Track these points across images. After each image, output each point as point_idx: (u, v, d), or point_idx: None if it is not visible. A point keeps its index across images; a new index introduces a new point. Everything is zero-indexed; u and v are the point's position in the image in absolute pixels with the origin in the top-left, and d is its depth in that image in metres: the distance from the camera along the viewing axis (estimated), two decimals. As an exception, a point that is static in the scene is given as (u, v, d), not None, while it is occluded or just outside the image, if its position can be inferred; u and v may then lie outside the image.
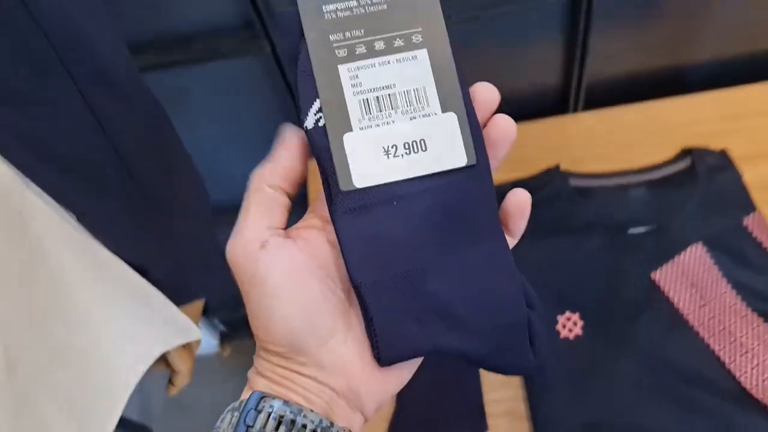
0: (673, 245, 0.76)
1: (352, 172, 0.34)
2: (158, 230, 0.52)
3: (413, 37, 0.36)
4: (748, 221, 0.77)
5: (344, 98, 0.35)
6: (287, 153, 0.35)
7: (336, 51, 0.35)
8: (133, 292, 0.51)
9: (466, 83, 0.36)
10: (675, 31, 0.85)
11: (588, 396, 0.70)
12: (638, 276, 0.76)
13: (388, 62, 0.35)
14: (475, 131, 0.36)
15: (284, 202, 0.35)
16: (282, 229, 0.34)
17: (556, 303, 0.75)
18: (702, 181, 0.80)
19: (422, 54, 0.36)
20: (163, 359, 0.64)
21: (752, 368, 0.69)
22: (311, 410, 0.31)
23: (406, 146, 0.35)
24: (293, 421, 0.31)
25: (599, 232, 0.79)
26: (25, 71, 0.42)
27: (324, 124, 0.34)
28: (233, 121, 0.91)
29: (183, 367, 0.62)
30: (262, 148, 0.98)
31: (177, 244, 0.54)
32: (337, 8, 0.35)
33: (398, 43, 0.36)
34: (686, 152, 0.83)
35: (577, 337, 0.73)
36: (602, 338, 0.73)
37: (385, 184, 0.34)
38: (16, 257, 0.43)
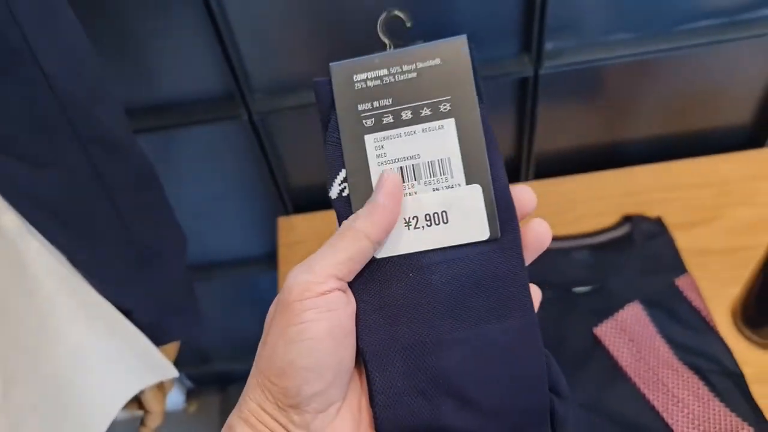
0: (613, 303, 0.83)
1: None
2: (144, 276, 0.58)
3: (441, 106, 0.35)
4: (680, 282, 0.84)
5: (369, 169, 0.34)
6: (391, 212, 0.33)
7: (363, 121, 0.35)
8: (117, 331, 0.55)
9: (497, 149, 0.35)
10: (615, 111, 0.95)
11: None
12: (582, 330, 0.82)
13: (414, 132, 0.35)
14: (503, 202, 0.35)
15: (369, 256, 0.33)
16: (347, 281, 0.33)
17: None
18: (638, 245, 0.88)
19: (449, 123, 0.35)
20: (135, 400, 0.67)
21: (683, 417, 0.75)
22: None
23: (428, 218, 0.34)
24: None
25: (546, 290, 0.85)
26: (35, 129, 0.48)
27: (348, 194, 0.34)
28: (209, 184, 0.97)
29: (156, 407, 0.66)
30: (233, 212, 1.04)
31: (160, 289, 0.60)
32: (367, 77, 0.35)
33: (425, 112, 0.35)
34: (626, 219, 0.92)
35: (525, 387, 0.79)
36: (548, 388, 0.79)
37: (405, 255, 0.34)
38: (15, 292, 0.48)
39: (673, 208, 0.92)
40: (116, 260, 0.55)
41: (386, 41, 0.36)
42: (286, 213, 1.01)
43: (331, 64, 0.35)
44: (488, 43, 0.81)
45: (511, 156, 0.98)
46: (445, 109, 0.35)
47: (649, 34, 0.82)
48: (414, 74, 0.35)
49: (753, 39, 0.82)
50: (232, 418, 0.34)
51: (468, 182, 0.35)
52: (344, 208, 0.35)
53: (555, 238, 0.91)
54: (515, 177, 1.01)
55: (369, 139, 0.35)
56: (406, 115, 0.35)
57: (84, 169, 0.49)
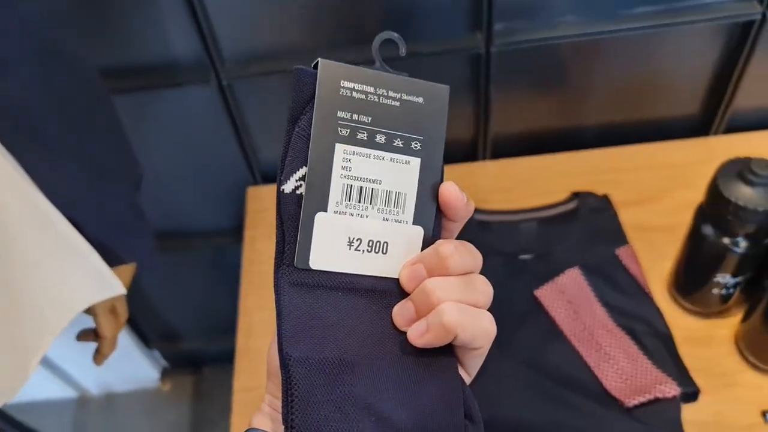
0: (555, 268, 0.88)
1: (311, 252, 0.34)
2: (95, 193, 0.62)
3: (413, 143, 0.36)
4: (620, 252, 0.89)
5: (330, 176, 0.34)
6: None
7: (339, 129, 0.34)
8: (69, 244, 0.60)
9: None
10: (568, 96, 1.00)
11: (475, 393, 0.79)
12: (524, 293, 0.87)
13: (383, 158, 0.35)
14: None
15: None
16: None
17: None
18: (583, 217, 0.93)
19: (415, 162, 0.36)
20: (92, 332, 0.72)
21: (613, 372, 0.79)
22: None
23: (370, 244, 0.35)
24: None
25: (495, 257, 0.90)
26: None
27: (302, 194, 0.34)
28: (179, 153, 1.02)
29: (109, 332, 0.70)
30: (203, 182, 1.08)
31: (111, 208, 0.64)
32: (354, 87, 0.35)
33: (398, 143, 0.35)
34: (574, 195, 0.97)
35: (468, 343, 0.83)
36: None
37: (339, 272, 0.35)
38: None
39: (621, 188, 0.97)
40: (67, 172, 0.59)
41: (377, 60, 0.36)
42: (255, 183, 1.06)
43: (320, 59, 0.35)
44: (442, 20, 0.87)
45: (468, 137, 1.04)
46: (416, 147, 0.36)
47: (594, 17, 0.88)
48: (397, 103, 0.36)
49: (689, 25, 0.88)
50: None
51: (414, 222, 0.36)
52: (292, 206, 0.34)
53: (506, 212, 0.96)
54: (473, 156, 1.06)
55: (339, 149, 0.35)
56: (380, 138, 0.35)
57: (36, 76, 0.54)
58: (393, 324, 0.36)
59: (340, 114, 0.35)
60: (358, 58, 0.89)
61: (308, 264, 0.34)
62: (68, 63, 0.57)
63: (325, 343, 0.34)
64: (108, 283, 0.62)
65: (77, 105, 0.58)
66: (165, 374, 1.55)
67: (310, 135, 0.34)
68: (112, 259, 0.65)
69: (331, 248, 0.34)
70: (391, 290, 0.36)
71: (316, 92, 0.34)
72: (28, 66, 0.53)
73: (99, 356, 0.73)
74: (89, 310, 0.67)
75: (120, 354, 1.40)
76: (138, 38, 0.86)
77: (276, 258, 0.34)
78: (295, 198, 0.34)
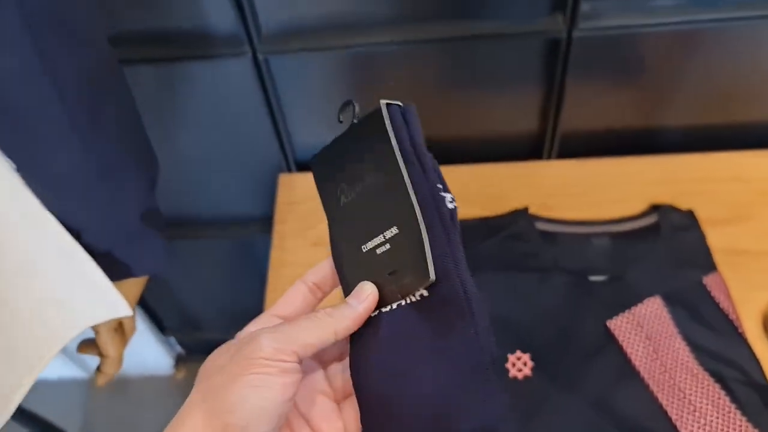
0: (631, 296, 0.76)
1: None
2: (100, 194, 0.51)
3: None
4: (708, 280, 0.76)
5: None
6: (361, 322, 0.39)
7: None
8: (67, 257, 0.49)
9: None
10: (652, 91, 0.86)
11: (532, 436, 0.68)
12: (594, 322, 0.75)
13: None
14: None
15: (329, 345, 0.38)
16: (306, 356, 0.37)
17: (509, 341, 0.74)
18: (665, 237, 0.80)
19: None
20: (95, 344, 0.61)
21: (699, 428, 0.67)
22: None
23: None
24: None
25: (559, 276, 0.78)
26: None
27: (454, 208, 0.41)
28: (208, 131, 0.91)
29: (113, 351, 0.60)
30: (232, 165, 0.97)
31: (119, 212, 0.53)
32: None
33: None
34: (653, 208, 0.84)
35: (526, 377, 0.71)
36: (552, 381, 0.71)
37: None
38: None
39: (705, 201, 0.84)
40: (66, 169, 0.48)
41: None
42: (288, 170, 0.95)
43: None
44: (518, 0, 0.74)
45: (534, 131, 0.91)
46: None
47: (696, 2, 0.74)
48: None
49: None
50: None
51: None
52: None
53: (574, 222, 0.84)
54: (538, 153, 0.93)
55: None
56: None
57: (30, 56, 0.43)
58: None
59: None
60: (410, 37, 0.77)
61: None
62: (74, 34, 0.45)
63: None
64: (112, 304, 0.51)
65: (85, 85, 0.47)
66: (180, 362, 1.46)
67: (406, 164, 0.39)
68: (119, 271, 0.55)
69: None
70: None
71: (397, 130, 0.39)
72: (24, 39, 0.42)
73: (101, 376, 0.63)
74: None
75: (134, 339, 1.31)
76: (166, 1, 0.74)
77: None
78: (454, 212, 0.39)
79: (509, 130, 0.91)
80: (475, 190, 0.89)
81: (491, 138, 0.92)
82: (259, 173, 0.97)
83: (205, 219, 1.08)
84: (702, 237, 0.81)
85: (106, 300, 0.51)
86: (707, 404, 0.68)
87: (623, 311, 0.75)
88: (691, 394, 0.69)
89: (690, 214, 0.83)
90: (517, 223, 0.82)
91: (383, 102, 0.38)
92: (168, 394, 1.44)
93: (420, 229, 0.37)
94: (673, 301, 0.75)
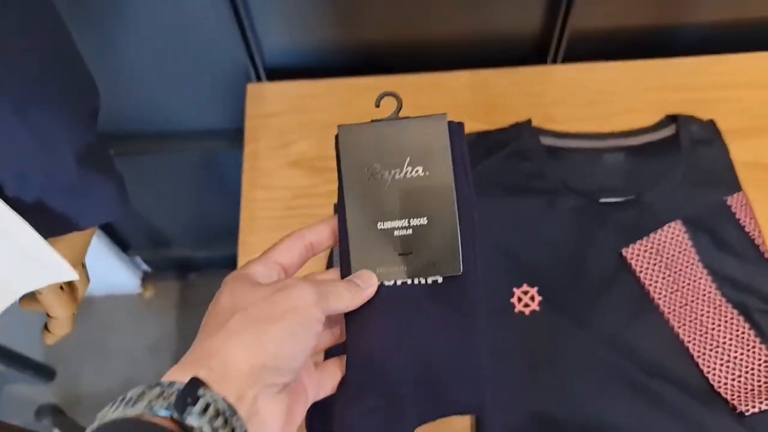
0: (648, 220, 0.68)
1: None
2: (20, 127, 0.40)
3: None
4: (732, 201, 0.69)
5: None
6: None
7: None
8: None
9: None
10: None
11: (539, 381, 0.62)
12: (607, 251, 0.67)
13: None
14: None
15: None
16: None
17: (514, 274, 0.66)
18: (685, 152, 0.72)
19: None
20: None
21: (722, 365, 0.62)
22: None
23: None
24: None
25: (568, 198, 0.70)
26: None
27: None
28: (168, 36, 0.78)
29: (61, 312, 0.51)
30: (195, 73, 0.84)
31: (49, 154, 0.42)
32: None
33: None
34: (670, 119, 0.75)
35: (533, 313, 0.65)
36: (561, 317, 0.64)
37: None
38: None
39: (727, 110, 0.76)
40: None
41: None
42: (258, 79, 0.83)
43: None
44: None
45: (537, 31, 0.80)
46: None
47: None
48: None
49: None
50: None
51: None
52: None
53: (582, 136, 0.75)
54: (542, 57, 0.82)
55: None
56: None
57: None
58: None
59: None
60: None
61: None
62: None
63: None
64: (53, 269, 0.41)
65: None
66: (147, 280, 1.38)
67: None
68: (60, 226, 0.45)
69: None
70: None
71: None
72: None
73: (49, 336, 0.53)
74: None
75: (96, 259, 1.22)
76: None
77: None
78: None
79: (509, 29, 0.80)
80: (471, 99, 0.79)
81: (488, 39, 0.81)
82: (223, 83, 0.85)
83: (167, 133, 0.96)
84: (725, 151, 0.73)
85: (45, 265, 0.41)
86: (730, 338, 0.63)
87: (639, 238, 0.67)
88: (713, 328, 0.63)
89: (711, 125, 0.74)
90: (519, 138, 0.73)
91: (446, 115, 0.43)
92: (136, 313, 1.36)
93: (456, 229, 0.42)
94: (694, 226, 0.68)
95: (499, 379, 0.62)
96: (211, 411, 0.31)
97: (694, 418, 0.60)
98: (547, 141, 0.74)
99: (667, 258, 0.66)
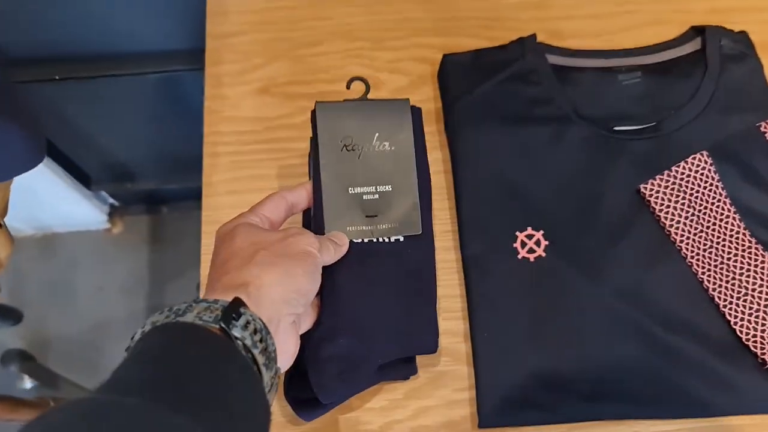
0: (670, 151, 0.60)
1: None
2: None
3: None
4: (766, 126, 0.60)
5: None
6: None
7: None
8: None
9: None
10: None
11: (545, 333, 0.55)
12: (622, 187, 0.59)
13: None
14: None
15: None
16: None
17: (517, 216, 0.58)
18: (713, 71, 0.62)
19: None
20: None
21: (751, 314, 0.55)
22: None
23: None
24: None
25: (577, 126, 0.61)
26: None
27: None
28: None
29: None
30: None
31: None
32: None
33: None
34: (696, 31, 0.65)
35: (538, 259, 0.57)
36: (570, 264, 0.57)
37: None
38: None
39: (763, 20, 0.66)
40: None
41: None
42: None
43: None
44: None
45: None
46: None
47: None
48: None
49: None
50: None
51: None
52: None
53: (593, 53, 0.65)
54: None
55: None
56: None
57: None
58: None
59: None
60: None
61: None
62: None
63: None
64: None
65: None
66: (114, 215, 1.28)
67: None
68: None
69: None
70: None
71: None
72: None
73: None
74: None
75: (58, 196, 1.12)
76: None
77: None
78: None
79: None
80: (465, 12, 0.69)
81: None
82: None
83: (123, 54, 0.86)
84: (760, 68, 0.63)
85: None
86: (762, 286, 0.55)
87: (659, 172, 0.59)
88: (741, 274, 0.56)
89: (744, 37, 0.65)
90: (523, 57, 0.63)
91: (408, 100, 0.52)
92: (104, 249, 1.27)
93: (417, 196, 0.51)
94: (721, 156, 0.59)
95: (500, 333, 0.55)
96: (251, 327, 0.36)
97: (716, 374, 0.53)
98: (554, 60, 0.64)
99: (690, 194, 0.58)
